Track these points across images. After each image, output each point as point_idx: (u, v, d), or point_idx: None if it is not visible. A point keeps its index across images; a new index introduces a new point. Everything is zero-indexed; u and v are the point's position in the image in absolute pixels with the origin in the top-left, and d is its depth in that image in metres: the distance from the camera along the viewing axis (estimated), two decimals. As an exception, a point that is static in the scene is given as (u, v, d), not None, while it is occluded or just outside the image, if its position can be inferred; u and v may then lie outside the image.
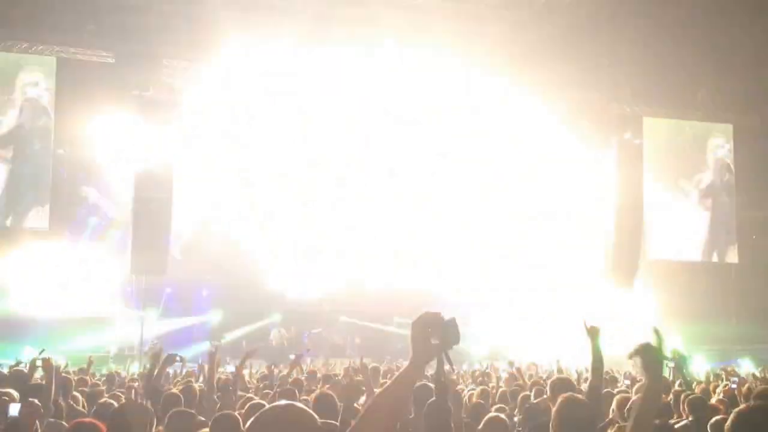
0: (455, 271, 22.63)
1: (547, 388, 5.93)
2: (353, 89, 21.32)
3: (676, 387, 8.10)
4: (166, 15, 18.37)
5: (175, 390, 6.59)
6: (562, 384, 5.49)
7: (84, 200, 20.73)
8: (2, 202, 18.96)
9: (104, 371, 14.15)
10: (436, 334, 2.30)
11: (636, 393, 5.50)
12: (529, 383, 8.67)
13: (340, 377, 9.26)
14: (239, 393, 6.98)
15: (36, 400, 5.33)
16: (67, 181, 19.93)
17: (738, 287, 22.58)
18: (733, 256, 23.90)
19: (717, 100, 23.10)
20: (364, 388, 7.03)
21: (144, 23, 18.43)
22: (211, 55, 19.30)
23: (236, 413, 4.78)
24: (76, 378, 8.76)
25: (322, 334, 22.84)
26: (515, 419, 6.74)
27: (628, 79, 21.76)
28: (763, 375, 12.99)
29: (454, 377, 9.42)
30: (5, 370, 9.85)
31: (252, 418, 2.28)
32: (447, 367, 2.36)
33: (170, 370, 10.16)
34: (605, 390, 6.20)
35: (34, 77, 19.11)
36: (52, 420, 5.69)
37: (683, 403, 6.39)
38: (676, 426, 6.04)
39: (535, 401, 6.83)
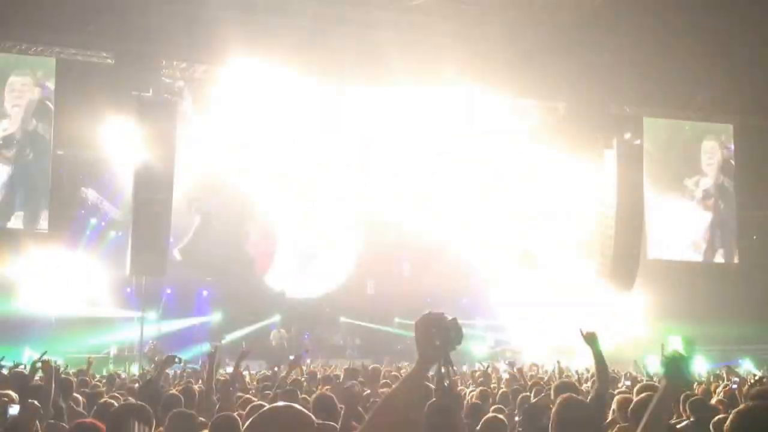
0: (455, 271, 22.62)
1: (551, 392, 5.91)
2: (353, 89, 21.33)
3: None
4: (166, 15, 18.37)
5: (174, 391, 6.59)
6: (566, 387, 5.48)
7: (84, 201, 20.74)
8: (1, 203, 18.96)
9: (104, 372, 14.13)
10: (438, 335, 2.30)
11: (637, 394, 5.48)
12: (529, 384, 8.66)
13: (341, 379, 9.25)
14: (238, 394, 6.97)
15: (35, 402, 5.32)
16: (67, 182, 19.93)
17: (738, 287, 22.57)
18: (733, 257, 23.90)
19: (717, 100, 23.10)
20: (365, 390, 7.02)
21: (144, 24, 18.43)
22: (211, 55, 19.30)
23: (235, 414, 4.78)
24: (77, 379, 8.75)
25: (322, 334, 22.85)
26: (516, 419, 6.72)
27: (628, 79, 21.76)
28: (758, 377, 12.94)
29: (455, 378, 9.41)
30: (5, 372, 9.82)
31: (250, 419, 2.29)
32: (446, 368, 2.35)
33: (170, 371, 10.15)
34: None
35: (34, 78, 19.11)
36: (52, 421, 5.68)
37: (684, 404, 6.38)
38: (677, 426, 6.03)
39: (534, 400, 6.81)
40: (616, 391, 7.26)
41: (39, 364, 6.18)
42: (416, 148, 21.77)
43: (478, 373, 11.33)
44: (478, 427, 5.26)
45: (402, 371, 11.12)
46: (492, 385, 9.82)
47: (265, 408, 2.44)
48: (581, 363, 12.60)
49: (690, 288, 21.96)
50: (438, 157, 21.83)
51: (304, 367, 12.18)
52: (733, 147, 24.17)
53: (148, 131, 17.01)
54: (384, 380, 8.68)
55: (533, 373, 12.87)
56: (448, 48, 19.38)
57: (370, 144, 21.60)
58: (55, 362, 6.86)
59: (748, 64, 21.17)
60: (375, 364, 12.21)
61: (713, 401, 7.39)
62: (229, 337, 20.24)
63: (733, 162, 24.17)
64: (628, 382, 10.20)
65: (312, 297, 23.41)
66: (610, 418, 5.55)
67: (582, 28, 19.43)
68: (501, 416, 5.48)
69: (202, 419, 5.08)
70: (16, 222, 19.05)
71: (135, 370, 16.39)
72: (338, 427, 4.58)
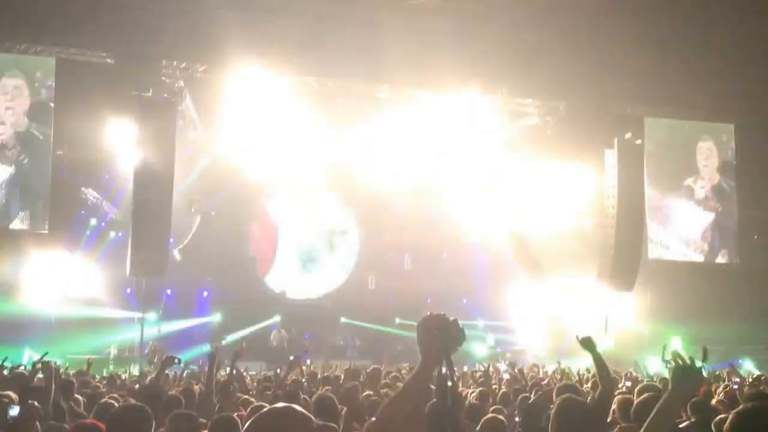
0: (455, 271, 22.62)
1: (554, 395, 5.90)
2: (353, 89, 21.31)
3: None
4: (166, 15, 18.36)
5: (175, 392, 6.58)
6: (568, 390, 5.47)
7: (84, 201, 20.74)
8: (1, 204, 18.95)
9: (104, 373, 14.12)
10: (440, 336, 2.30)
11: (638, 395, 5.47)
12: (530, 384, 8.65)
13: (341, 380, 9.23)
14: (238, 394, 6.96)
15: (35, 402, 5.32)
16: (67, 183, 19.92)
17: (739, 287, 22.54)
18: (734, 257, 23.87)
19: (718, 100, 23.07)
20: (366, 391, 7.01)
21: (144, 24, 18.42)
22: (211, 55, 19.28)
23: (235, 415, 4.77)
24: (78, 380, 8.74)
25: (322, 335, 22.83)
26: (516, 420, 6.71)
27: (629, 79, 21.74)
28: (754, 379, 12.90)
29: (456, 378, 9.39)
30: (6, 372, 9.82)
31: (249, 420, 2.29)
32: (449, 369, 2.35)
33: (169, 372, 10.13)
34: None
35: (27, 79, 19.11)
36: (52, 422, 5.67)
37: (685, 404, 6.37)
38: (680, 426, 6.02)
39: (533, 400, 6.80)
40: (616, 392, 7.24)
41: (39, 365, 6.18)
42: (416, 148, 21.74)
43: (478, 374, 11.31)
44: (477, 428, 5.25)
45: (402, 372, 11.10)
46: (493, 386, 9.80)
47: (265, 409, 2.43)
48: (582, 363, 12.58)
49: (690, 288, 21.93)
50: (438, 157, 21.80)
51: (305, 368, 12.15)
52: (734, 147, 24.14)
53: (148, 131, 17.00)
54: (384, 381, 8.68)
55: (534, 373, 12.86)
56: (449, 48, 19.35)
57: (369, 144, 21.57)
58: (55, 363, 6.85)
59: (748, 64, 21.15)
60: (375, 364, 12.19)
61: (713, 402, 7.37)
62: (230, 338, 20.24)
63: (734, 162, 24.14)
64: (629, 383, 10.18)
65: (312, 297, 23.42)
66: (610, 418, 5.54)
67: (583, 27, 19.42)
68: (500, 417, 5.48)
69: (203, 420, 5.07)
70: (16, 222, 19.04)
71: (135, 370, 16.38)
72: (339, 428, 4.57)
